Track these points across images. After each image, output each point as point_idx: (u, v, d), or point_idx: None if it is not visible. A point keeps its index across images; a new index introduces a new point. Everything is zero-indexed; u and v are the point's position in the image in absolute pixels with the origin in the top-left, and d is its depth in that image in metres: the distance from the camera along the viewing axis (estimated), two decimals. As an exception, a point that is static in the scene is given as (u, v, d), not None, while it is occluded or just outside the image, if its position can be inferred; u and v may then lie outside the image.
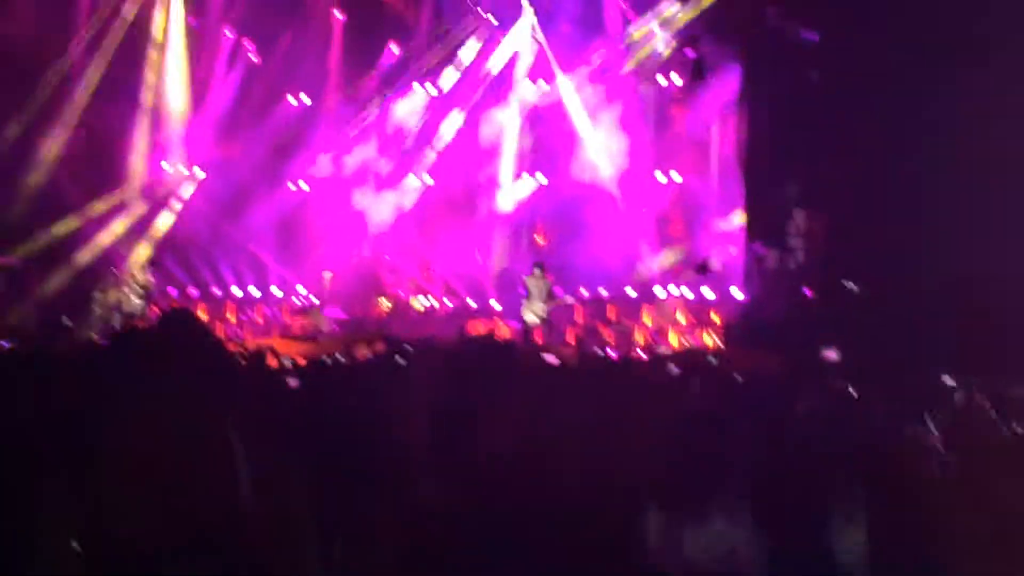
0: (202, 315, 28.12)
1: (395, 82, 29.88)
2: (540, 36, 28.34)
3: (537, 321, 22.84)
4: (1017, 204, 17.87)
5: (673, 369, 14.66)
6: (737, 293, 24.04)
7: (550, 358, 14.60)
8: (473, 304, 27.59)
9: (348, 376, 12.48)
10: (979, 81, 18.10)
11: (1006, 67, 17.92)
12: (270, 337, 25.99)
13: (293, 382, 10.19)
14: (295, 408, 9.77)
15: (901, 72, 19.00)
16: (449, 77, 29.41)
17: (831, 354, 13.87)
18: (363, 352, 17.36)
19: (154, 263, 25.59)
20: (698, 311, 25.64)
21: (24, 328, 22.11)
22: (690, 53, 25.00)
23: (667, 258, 27.32)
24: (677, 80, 27.55)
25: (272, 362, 16.58)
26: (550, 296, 23.05)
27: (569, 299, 24.01)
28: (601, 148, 27.75)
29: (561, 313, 24.84)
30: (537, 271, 23.16)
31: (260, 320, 28.29)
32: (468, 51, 29.07)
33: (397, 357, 16.57)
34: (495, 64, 29.00)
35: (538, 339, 22.73)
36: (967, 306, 17.18)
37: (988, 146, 18.05)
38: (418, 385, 11.25)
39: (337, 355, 16.34)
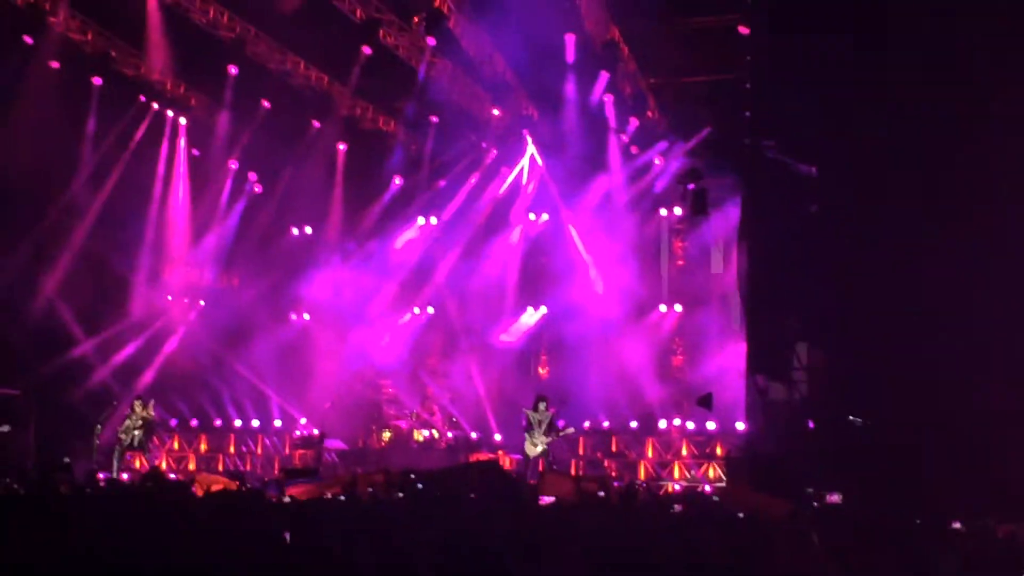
0: (203, 446, 28.11)
1: (397, 213, 30.02)
2: (543, 168, 28.50)
3: (539, 453, 22.70)
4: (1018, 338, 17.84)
5: (676, 507, 14.56)
6: (740, 425, 23.88)
7: (546, 499, 14.51)
8: (474, 435, 27.42)
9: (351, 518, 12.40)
10: (978, 215, 18.17)
11: (1003, 200, 18.01)
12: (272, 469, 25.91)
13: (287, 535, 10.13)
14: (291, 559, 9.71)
15: (900, 206, 19.06)
16: (452, 209, 29.53)
17: (834, 497, 13.76)
18: (364, 489, 17.28)
19: (154, 395, 25.45)
20: (701, 443, 25.49)
21: (22, 464, 21.96)
22: (691, 186, 25.14)
23: (669, 390, 27.25)
24: (678, 212, 27.67)
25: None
26: (552, 429, 22.91)
27: (571, 430, 23.86)
28: (603, 279, 27.80)
29: (563, 445, 24.70)
30: (540, 404, 23.08)
31: (260, 451, 28.16)
32: (471, 183, 29.20)
33: (399, 494, 16.49)
34: (498, 196, 29.14)
35: (539, 471, 22.54)
36: (975, 443, 17.06)
37: (991, 279, 18.06)
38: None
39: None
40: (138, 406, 24.13)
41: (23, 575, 9.70)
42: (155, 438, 25.81)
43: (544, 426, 22.82)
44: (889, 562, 9.07)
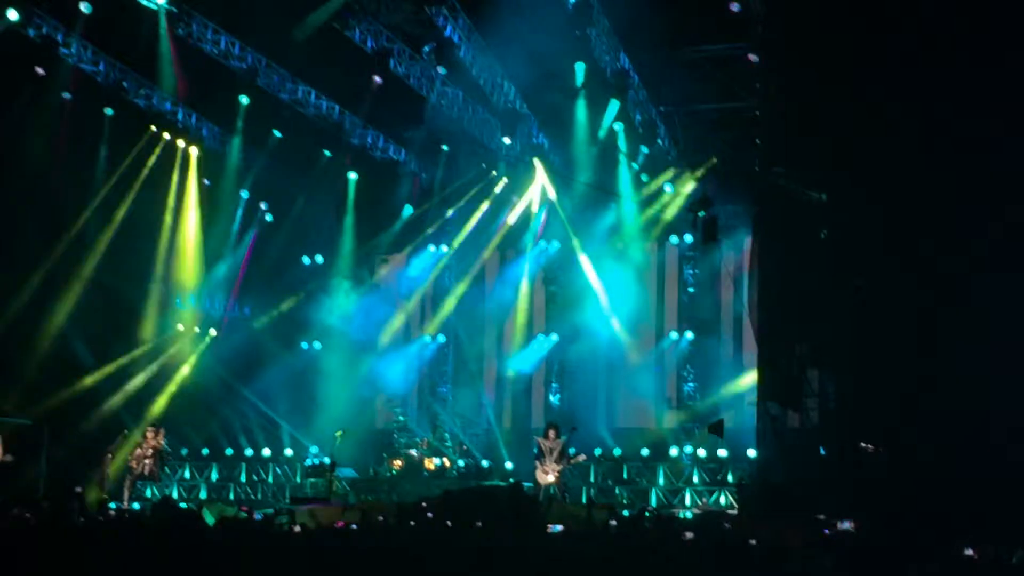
0: (214, 475, 28.13)
1: (408, 242, 30.07)
2: (553, 196, 28.51)
3: (551, 481, 22.67)
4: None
5: (687, 534, 14.53)
6: (751, 452, 23.82)
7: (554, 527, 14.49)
8: (486, 463, 27.34)
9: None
10: (990, 237, 18.17)
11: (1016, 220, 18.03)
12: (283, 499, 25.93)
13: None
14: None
15: (911, 231, 19.07)
16: (462, 237, 29.59)
17: (845, 524, 13.73)
18: (376, 518, 17.28)
19: (165, 424, 25.46)
20: (712, 471, 25.44)
21: (34, 493, 21.96)
22: (701, 213, 25.14)
23: (681, 416, 27.25)
24: (689, 239, 27.68)
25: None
26: (563, 456, 22.89)
27: (582, 458, 23.82)
28: (614, 306, 27.79)
29: (574, 472, 24.66)
30: (550, 432, 23.05)
31: (271, 480, 28.14)
32: (481, 211, 29.25)
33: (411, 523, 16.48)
34: (508, 224, 29.18)
35: (549, 499, 22.49)
36: (988, 469, 17.02)
37: (1006, 303, 18.05)
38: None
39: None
40: (150, 434, 24.14)
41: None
42: (166, 467, 25.81)
43: (555, 454, 22.80)
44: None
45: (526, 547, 11.05)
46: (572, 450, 23.52)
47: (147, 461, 24.00)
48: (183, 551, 10.85)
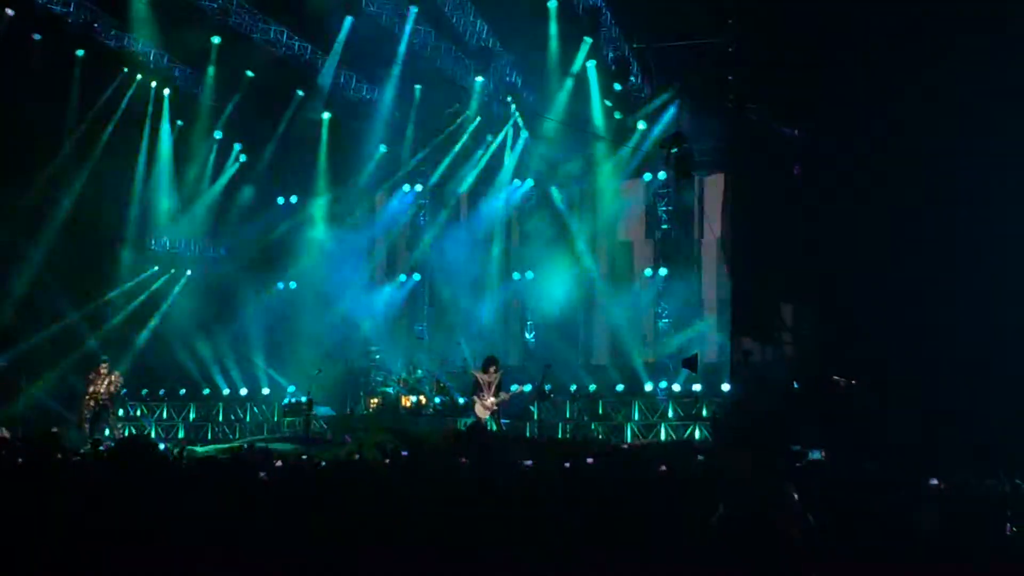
0: (191, 415, 28.22)
1: (383, 181, 30.07)
2: (526, 134, 28.52)
3: (487, 415, 22.78)
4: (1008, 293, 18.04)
5: (660, 467, 14.73)
6: (725, 387, 24.01)
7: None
8: (462, 401, 27.43)
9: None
10: (964, 169, 18.32)
11: (993, 150, 18.17)
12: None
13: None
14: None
15: (882, 164, 19.20)
16: (436, 176, 29.62)
17: (816, 455, 13.94)
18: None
19: (143, 365, 25.54)
20: (686, 405, 25.58)
21: (12, 432, 22.08)
22: (674, 150, 25.17)
23: (656, 353, 27.34)
24: (662, 176, 27.69)
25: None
26: (499, 390, 23.01)
27: (515, 388, 23.74)
28: (588, 244, 27.89)
29: (549, 408, 24.77)
30: (490, 367, 23.12)
31: (249, 419, 28.23)
32: (455, 151, 29.23)
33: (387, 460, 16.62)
34: (482, 163, 29.19)
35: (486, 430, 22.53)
36: (958, 401, 17.24)
37: (978, 234, 18.22)
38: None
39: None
40: (103, 369, 24.17)
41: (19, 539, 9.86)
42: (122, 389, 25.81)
43: (493, 388, 22.95)
44: (869, 518, 9.25)
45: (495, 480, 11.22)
46: (514, 387, 23.67)
47: (105, 397, 24.19)
48: (151, 484, 10.97)
